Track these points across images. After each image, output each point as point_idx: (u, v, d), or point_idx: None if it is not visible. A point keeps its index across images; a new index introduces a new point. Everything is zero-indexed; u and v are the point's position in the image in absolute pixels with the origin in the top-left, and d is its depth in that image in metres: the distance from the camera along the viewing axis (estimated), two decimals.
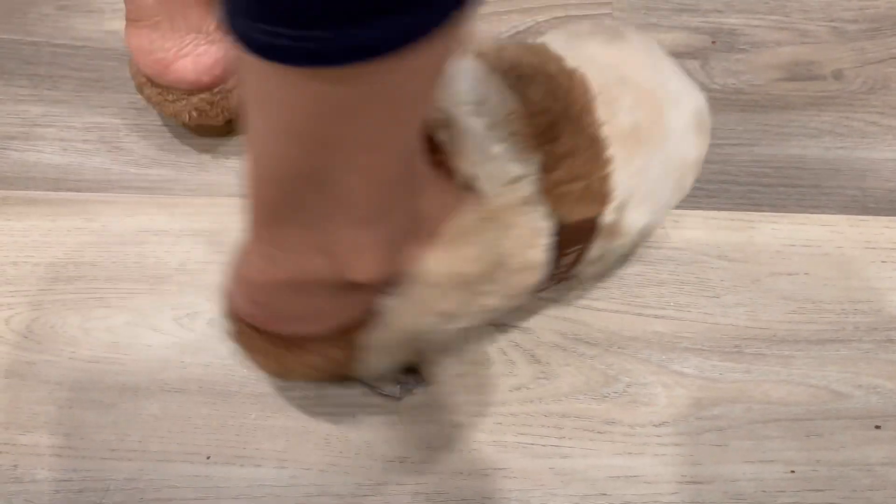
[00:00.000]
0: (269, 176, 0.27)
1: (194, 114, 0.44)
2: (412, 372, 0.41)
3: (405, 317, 0.34)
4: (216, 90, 0.44)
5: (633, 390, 0.41)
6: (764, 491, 0.39)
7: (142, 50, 0.42)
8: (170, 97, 0.43)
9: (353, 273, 0.30)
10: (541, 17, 0.51)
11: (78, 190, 0.46)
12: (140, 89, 0.44)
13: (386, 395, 0.41)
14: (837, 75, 0.49)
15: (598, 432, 0.40)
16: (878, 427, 0.40)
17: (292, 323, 0.34)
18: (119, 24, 0.50)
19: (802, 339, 0.42)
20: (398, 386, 0.41)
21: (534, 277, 0.36)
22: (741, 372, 0.42)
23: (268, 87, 0.23)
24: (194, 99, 0.43)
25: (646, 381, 0.42)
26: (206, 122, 0.44)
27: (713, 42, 0.50)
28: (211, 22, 0.42)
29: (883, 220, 0.45)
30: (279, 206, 0.28)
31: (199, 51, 0.42)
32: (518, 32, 0.51)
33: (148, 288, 0.43)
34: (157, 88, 0.43)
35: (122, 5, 0.50)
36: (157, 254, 0.44)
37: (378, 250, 0.30)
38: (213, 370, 0.41)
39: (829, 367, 0.42)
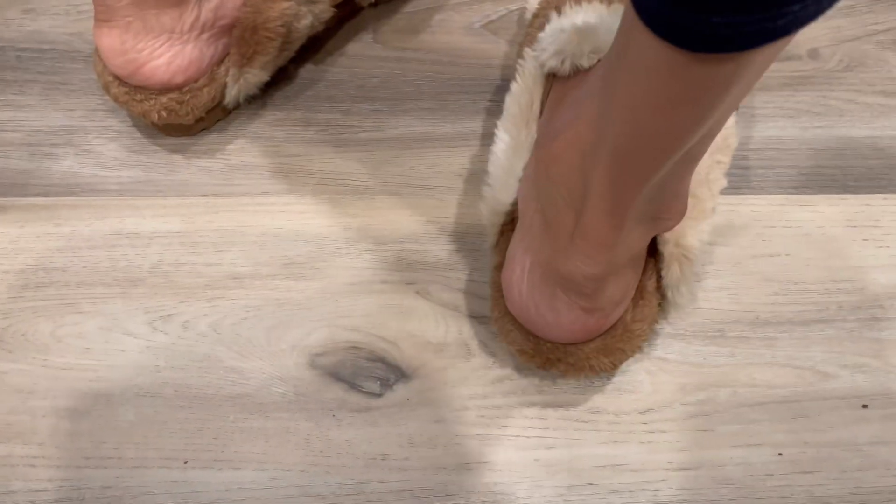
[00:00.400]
0: (637, 147, 0.28)
1: (164, 113, 0.43)
2: (392, 367, 0.41)
3: None
4: (185, 89, 0.43)
5: (616, 378, 0.41)
6: (752, 475, 0.39)
7: (113, 50, 0.41)
8: (138, 97, 0.43)
9: (673, 221, 0.34)
10: (513, 6, 0.50)
11: (46, 195, 0.45)
12: (106, 88, 0.43)
13: (365, 392, 0.40)
14: (813, 54, 0.48)
15: (583, 422, 0.40)
16: (865, 406, 0.40)
17: (614, 311, 0.36)
18: (85, 26, 0.49)
19: (786, 320, 0.42)
20: (378, 382, 0.40)
21: None
22: (725, 356, 0.41)
23: (660, 67, 0.24)
24: (163, 98, 0.42)
25: (629, 367, 0.41)
26: (176, 120, 0.44)
27: None
28: (185, 22, 0.41)
29: (863, 198, 0.45)
30: (639, 179, 0.30)
31: (173, 52, 0.42)
32: (490, 21, 0.50)
33: (120, 292, 0.43)
34: (124, 87, 0.42)
35: (88, 7, 0.50)
36: (128, 257, 0.43)
37: (685, 193, 0.34)
38: (188, 373, 0.41)
39: (814, 348, 0.41)
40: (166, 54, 0.41)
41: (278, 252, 0.43)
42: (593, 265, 0.33)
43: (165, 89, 0.42)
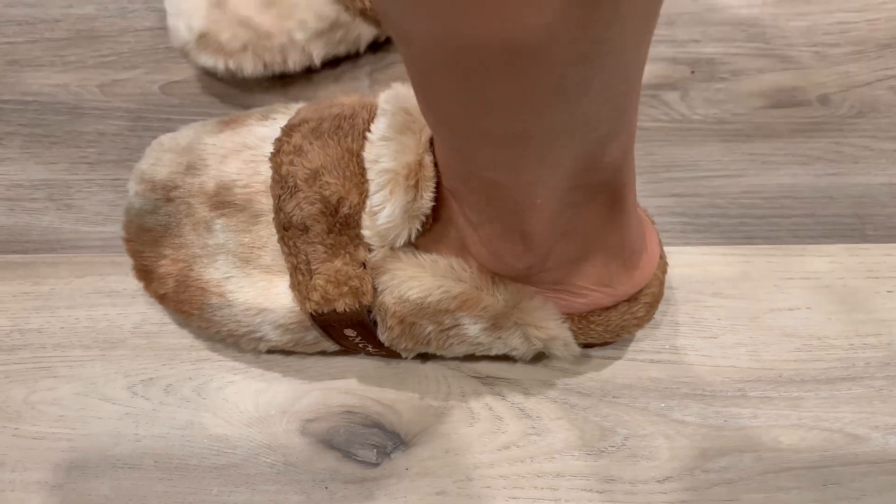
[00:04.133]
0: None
1: None
2: (390, 433, 0.38)
3: None
4: None
5: (631, 443, 0.38)
6: None
7: None
8: None
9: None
10: None
11: (25, 252, 0.43)
12: None
13: (361, 462, 0.37)
14: (823, 100, 0.47)
15: (597, 492, 0.37)
16: None
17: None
18: (71, 77, 0.48)
19: (810, 378, 0.39)
20: (374, 450, 0.38)
21: None
22: (747, 417, 0.38)
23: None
24: None
25: (645, 432, 0.38)
26: None
27: (692, 72, 0.48)
28: None
29: (884, 248, 0.43)
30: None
31: None
32: None
33: (99, 354, 0.40)
34: None
35: (75, 58, 0.48)
36: (109, 317, 0.41)
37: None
38: (169, 442, 0.38)
39: (842, 408, 0.39)
40: None
41: None
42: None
43: None
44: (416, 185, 0.32)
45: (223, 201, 0.37)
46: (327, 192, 0.33)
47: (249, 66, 0.44)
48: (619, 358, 0.40)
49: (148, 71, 0.48)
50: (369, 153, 0.33)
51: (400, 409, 0.38)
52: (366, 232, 0.33)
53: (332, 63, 0.47)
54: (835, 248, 0.43)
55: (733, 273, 0.42)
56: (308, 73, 0.47)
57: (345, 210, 0.33)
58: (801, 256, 0.42)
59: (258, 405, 0.39)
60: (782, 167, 0.45)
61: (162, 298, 0.37)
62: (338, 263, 0.33)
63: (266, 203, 0.36)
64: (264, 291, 0.36)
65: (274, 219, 0.35)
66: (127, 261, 0.42)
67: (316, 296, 0.33)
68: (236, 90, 0.47)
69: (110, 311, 0.41)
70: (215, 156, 0.38)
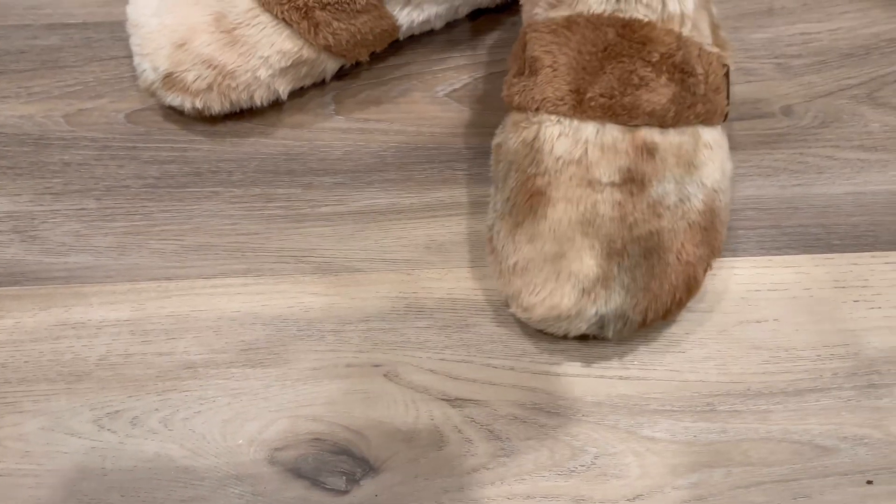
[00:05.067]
0: None
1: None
2: (359, 460, 0.38)
3: None
4: None
5: (601, 462, 0.38)
6: None
7: None
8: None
9: None
10: (477, 74, 0.49)
11: None
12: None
13: (330, 489, 0.37)
14: (786, 111, 0.47)
15: None
16: (869, 482, 0.37)
17: None
18: (36, 108, 0.48)
19: (779, 390, 0.39)
20: (343, 477, 0.37)
21: None
22: (717, 432, 0.38)
23: None
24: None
25: (615, 450, 0.38)
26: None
27: None
28: None
29: (849, 257, 0.43)
30: None
31: None
32: (454, 90, 0.49)
33: (65, 387, 0.40)
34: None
35: (40, 89, 0.48)
36: (74, 349, 0.40)
37: None
38: (136, 475, 0.37)
39: (811, 420, 0.39)
40: None
41: (235, 337, 0.41)
42: None
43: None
44: None
45: None
46: None
47: (216, 105, 0.44)
48: (588, 375, 0.40)
49: (113, 100, 0.48)
50: None
51: (368, 434, 0.38)
52: None
53: (299, 91, 0.47)
54: (801, 258, 0.43)
55: (702, 283, 0.42)
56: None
57: None
58: (768, 268, 0.42)
59: (225, 435, 0.38)
60: (747, 179, 0.45)
61: None
62: None
63: None
64: None
65: None
66: (91, 290, 0.42)
67: None
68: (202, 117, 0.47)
69: (75, 344, 0.41)
70: None
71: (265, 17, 0.43)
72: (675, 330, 0.41)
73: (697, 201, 0.38)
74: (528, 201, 0.38)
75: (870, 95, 0.48)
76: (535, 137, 0.38)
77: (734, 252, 0.43)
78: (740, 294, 0.42)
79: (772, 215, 0.44)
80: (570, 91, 0.37)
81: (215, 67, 0.43)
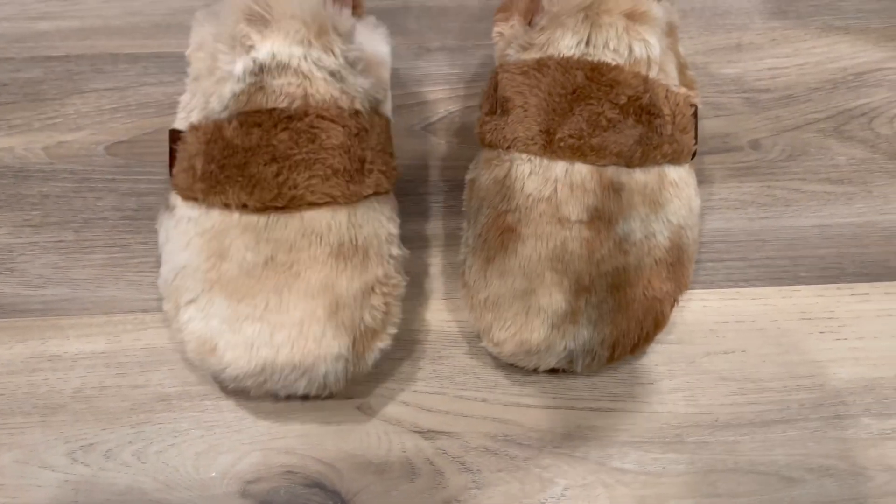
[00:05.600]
0: None
1: None
2: (331, 492, 0.38)
3: None
4: None
5: (571, 493, 0.38)
6: None
7: None
8: None
9: None
10: (453, 107, 0.50)
11: None
12: None
13: None
14: (755, 145, 0.48)
15: None
16: None
17: None
18: (16, 141, 0.48)
19: (746, 422, 0.40)
20: None
21: None
22: (685, 463, 0.39)
23: None
24: None
25: (585, 481, 0.38)
26: None
27: None
28: None
29: (816, 289, 0.43)
30: None
31: None
32: (430, 123, 0.49)
33: (39, 420, 0.40)
34: None
35: (20, 121, 0.49)
36: (49, 381, 0.41)
37: None
38: None
39: (777, 451, 0.39)
40: None
41: None
42: None
43: None
44: None
45: None
46: None
47: None
48: (558, 407, 0.40)
49: (94, 132, 0.49)
50: None
51: (340, 467, 0.39)
52: None
53: None
54: (768, 290, 0.44)
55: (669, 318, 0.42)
56: None
57: None
58: (735, 300, 0.43)
59: (198, 468, 0.38)
60: (716, 211, 0.46)
61: None
62: None
63: None
64: None
65: None
66: (67, 323, 0.42)
67: None
68: None
69: (50, 376, 0.41)
70: None
71: None
72: (644, 361, 0.41)
73: (663, 238, 0.39)
74: (500, 237, 0.39)
75: (836, 129, 0.49)
76: (507, 175, 0.39)
77: (703, 284, 0.44)
78: (708, 326, 0.42)
79: (740, 247, 0.45)
80: (541, 131, 0.38)
81: None
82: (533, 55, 0.39)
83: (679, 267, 0.39)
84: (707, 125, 0.48)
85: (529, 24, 0.41)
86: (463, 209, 0.42)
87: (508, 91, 0.39)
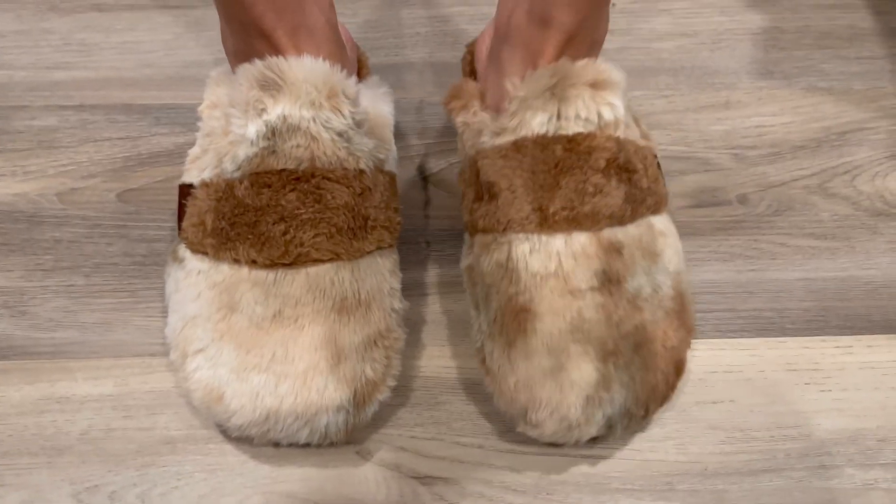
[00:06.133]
0: None
1: None
2: None
3: None
4: None
5: None
6: None
7: None
8: None
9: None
10: (453, 159, 0.52)
11: None
12: None
13: None
14: (742, 200, 0.50)
15: None
16: None
17: None
18: (31, 186, 0.50)
19: (734, 471, 0.41)
20: None
21: None
22: None
23: None
24: None
25: None
26: None
27: None
28: None
29: (801, 341, 0.45)
30: None
31: None
32: (432, 174, 0.51)
33: (46, 461, 0.41)
34: None
35: (36, 168, 0.51)
36: (57, 423, 0.42)
37: None
38: None
39: (764, 500, 0.40)
40: None
41: None
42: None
43: None
44: None
45: None
46: None
47: None
48: (552, 454, 0.41)
49: (105, 179, 0.50)
50: None
51: None
52: None
53: None
54: (755, 341, 0.45)
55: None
56: None
57: None
58: (724, 350, 0.45)
59: None
60: (706, 263, 0.48)
61: None
62: None
63: None
64: None
65: None
66: (76, 366, 0.43)
67: None
68: None
69: (58, 418, 0.42)
70: None
71: None
72: None
73: (667, 287, 0.40)
74: (515, 319, 0.39)
75: (821, 186, 0.51)
76: (508, 257, 0.39)
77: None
78: (698, 375, 0.44)
79: (728, 299, 0.46)
80: (534, 209, 0.39)
81: None
82: (507, 138, 0.40)
83: (684, 313, 0.41)
84: (696, 179, 0.50)
85: (489, 107, 0.42)
86: (467, 295, 0.42)
87: (492, 176, 0.40)
